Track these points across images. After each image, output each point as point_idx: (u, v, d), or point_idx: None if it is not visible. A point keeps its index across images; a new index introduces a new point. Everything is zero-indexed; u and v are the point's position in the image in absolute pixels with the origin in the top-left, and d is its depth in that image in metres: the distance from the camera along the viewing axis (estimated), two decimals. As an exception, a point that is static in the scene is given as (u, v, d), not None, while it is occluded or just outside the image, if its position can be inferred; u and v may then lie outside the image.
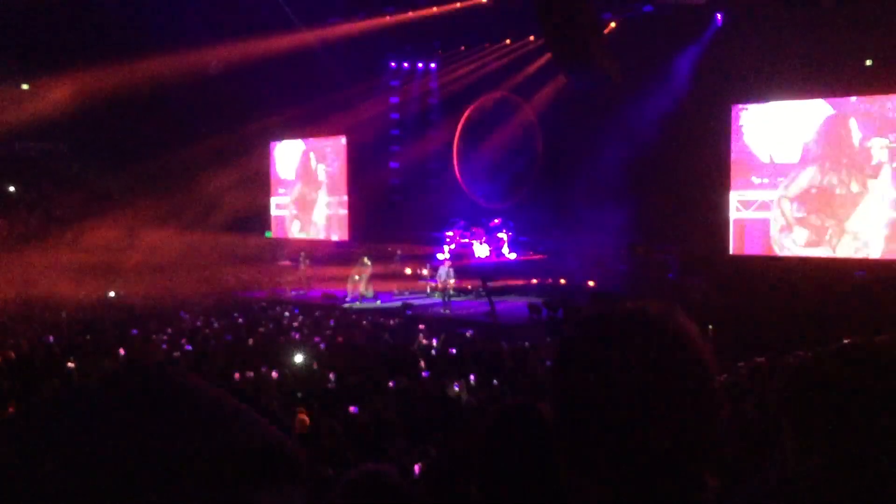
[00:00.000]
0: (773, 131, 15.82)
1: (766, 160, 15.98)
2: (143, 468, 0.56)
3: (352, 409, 7.03)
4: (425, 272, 20.28)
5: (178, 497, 0.55)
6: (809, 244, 15.34)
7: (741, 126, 16.26)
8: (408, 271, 20.97)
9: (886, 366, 1.13)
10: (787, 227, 15.64)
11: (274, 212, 25.56)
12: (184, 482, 0.56)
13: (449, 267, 17.39)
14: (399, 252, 21.12)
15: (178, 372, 0.65)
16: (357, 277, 18.54)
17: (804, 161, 15.45)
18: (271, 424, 0.65)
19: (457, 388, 7.72)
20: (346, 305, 17.48)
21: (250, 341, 11.64)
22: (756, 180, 16.08)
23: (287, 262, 22.80)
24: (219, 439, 0.60)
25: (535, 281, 18.63)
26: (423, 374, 8.92)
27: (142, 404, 0.60)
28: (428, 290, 19.02)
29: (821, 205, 15.23)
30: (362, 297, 18.29)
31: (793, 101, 15.52)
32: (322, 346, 11.10)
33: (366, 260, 18.74)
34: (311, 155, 24.61)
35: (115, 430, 0.58)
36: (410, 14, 19.45)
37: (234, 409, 0.64)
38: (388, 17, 20.03)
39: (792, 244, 15.59)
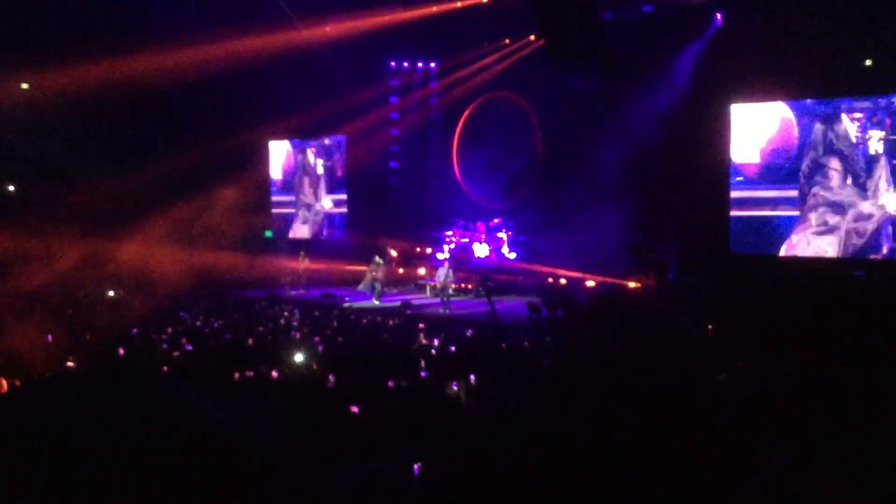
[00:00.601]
0: (771, 131, 15.84)
1: (760, 161, 16.02)
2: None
3: (352, 409, 7.02)
4: (424, 272, 20.31)
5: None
6: (836, 245, 15.24)
7: (734, 126, 16.33)
8: (400, 270, 20.98)
9: (886, 366, 1.13)
10: (826, 232, 15.47)
11: (273, 211, 25.57)
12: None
13: (448, 267, 17.39)
14: (393, 252, 21.09)
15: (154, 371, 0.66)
16: (372, 275, 18.46)
17: (809, 163, 15.47)
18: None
19: (455, 388, 7.72)
20: (346, 305, 17.47)
21: (250, 341, 11.64)
22: (753, 180, 16.10)
23: (286, 262, 22.81)
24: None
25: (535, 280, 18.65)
26: (423, 374, 8.92)
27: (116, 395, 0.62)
28: (428, 292, 19.02)
29: (835, 205, 15.22)
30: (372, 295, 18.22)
31: (792, 100, 15.54)
32: (322, 345, 11.10)
33: (377, 259, 18.65)
34: (311, 154, 24.61)
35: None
36: (410, 13, 19.44)
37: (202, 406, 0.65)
38: (387, 17, 20.02)
39: (824, 247, 15.45)
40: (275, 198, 25.55)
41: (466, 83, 20.89)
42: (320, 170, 24.37)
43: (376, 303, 17.80)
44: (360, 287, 18.89)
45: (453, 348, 10.88)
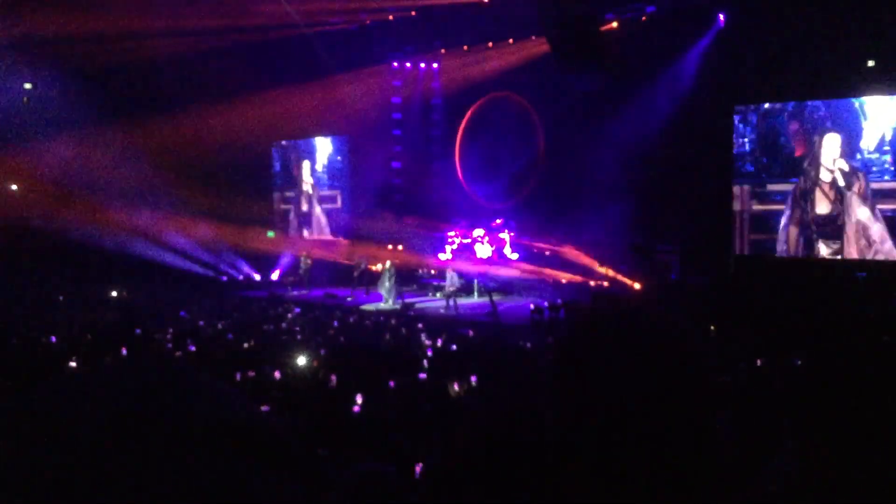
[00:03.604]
0: (775, 132, 15.85)
1: (762, 162, 16.03)
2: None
3: (352, 409, 7.03)
4: (423, 272, 20.30)
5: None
6: (835, 251, 15.18)
7: (738, 126, 16.33)
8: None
9: (886, 366, 1.13)
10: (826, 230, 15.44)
11: (275, 211, 25.58)
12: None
13: (454, 270, 17.37)
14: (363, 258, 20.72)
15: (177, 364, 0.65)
16: (388, 283, 18.04)
17: (807, 163, 15.47)
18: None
19: (456, 389, 7.72)
20: (370, 308, 17.02)
21: (251, 341, 11.63)
22: (762, 179, 16.11)
23: (288, 262, 22.81)
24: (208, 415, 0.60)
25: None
26: (423, 374, 8.91)
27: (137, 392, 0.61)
28: (430, 293, 19.01)
29: (830, 208, 15.21)
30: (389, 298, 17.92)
31: (794, 101, 15.54)
32: (323, 345, 11.09)
33: (388, 264, 18.29)
34: (313, 154, 24.63)
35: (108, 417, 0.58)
36: (413, 13, 19.44)
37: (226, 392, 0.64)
38: (390, 16, 20.03)
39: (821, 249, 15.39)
40: (277, 198, 25.57)
41: (469, 83, 20.86)
42: (322, 170, 24.38)
43: (384, 306, 17.49)
44: (381, 290, 18.30)
45: (454, 347, 10.89)
